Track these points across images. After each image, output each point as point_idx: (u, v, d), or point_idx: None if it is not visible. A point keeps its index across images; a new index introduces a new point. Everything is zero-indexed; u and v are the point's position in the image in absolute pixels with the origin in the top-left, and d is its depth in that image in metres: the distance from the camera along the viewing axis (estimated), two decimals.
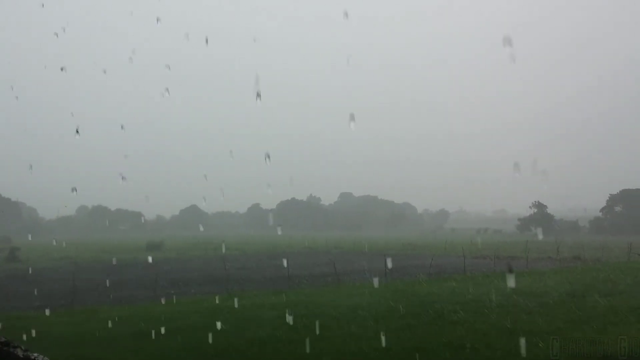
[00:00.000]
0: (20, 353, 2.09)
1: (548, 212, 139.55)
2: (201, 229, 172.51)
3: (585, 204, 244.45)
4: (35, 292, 27.36)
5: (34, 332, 14.45)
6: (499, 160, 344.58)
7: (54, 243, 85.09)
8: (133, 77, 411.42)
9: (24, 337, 12.17)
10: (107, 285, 29.35)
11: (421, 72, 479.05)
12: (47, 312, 19.83)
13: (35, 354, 2.15)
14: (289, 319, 16.45)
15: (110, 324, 16.47)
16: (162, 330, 14.63)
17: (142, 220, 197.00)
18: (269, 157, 12.06)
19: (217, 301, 21.36)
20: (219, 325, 14.54)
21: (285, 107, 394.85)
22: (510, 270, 31.44)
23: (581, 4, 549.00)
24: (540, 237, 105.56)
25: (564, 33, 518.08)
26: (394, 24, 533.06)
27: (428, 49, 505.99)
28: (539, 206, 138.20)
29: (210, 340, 13.18)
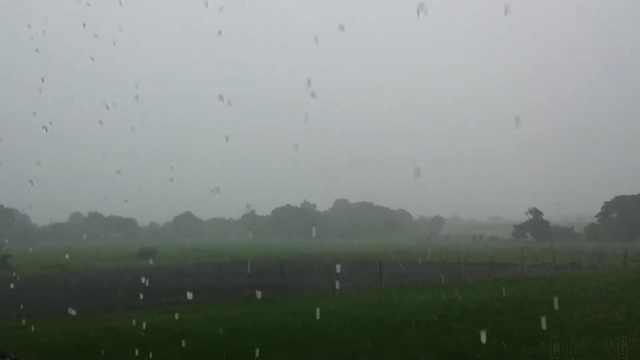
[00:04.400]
0: None
1: (543, 218, 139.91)
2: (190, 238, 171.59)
3: (578, 211, 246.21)
4: (27, 301, 26.98)
5: (24, 341, 14.10)
6: (494, 167, 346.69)
7: (47, 250, 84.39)
8: (132, 81, 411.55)
9: (14, 346, 11.86)
10: (102, 292, 29.02)
11: (419, 76, 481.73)
12: (39, 320, 19.49)
13: None
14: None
15: (105, 334, 16.11)
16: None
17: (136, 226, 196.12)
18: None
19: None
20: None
21: (280, 114, 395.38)
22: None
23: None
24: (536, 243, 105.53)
25: (556, 37, 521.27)
26: (380, 24, 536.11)
27: (421, 53, 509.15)
28: (535, 212, 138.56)
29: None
